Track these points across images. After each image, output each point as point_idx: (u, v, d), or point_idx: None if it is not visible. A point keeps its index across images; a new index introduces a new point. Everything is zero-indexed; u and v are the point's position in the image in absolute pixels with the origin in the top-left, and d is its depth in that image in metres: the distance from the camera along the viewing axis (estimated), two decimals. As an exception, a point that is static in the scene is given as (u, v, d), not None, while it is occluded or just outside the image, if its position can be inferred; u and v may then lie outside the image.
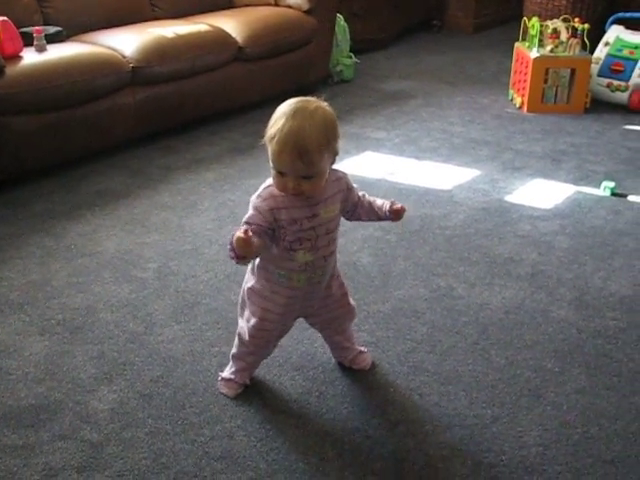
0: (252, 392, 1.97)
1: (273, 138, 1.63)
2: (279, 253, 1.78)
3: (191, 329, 2.23)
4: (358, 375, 2.04)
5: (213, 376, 2.01)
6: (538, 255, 2.70)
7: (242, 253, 1.65)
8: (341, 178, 1.83)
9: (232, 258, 1.69)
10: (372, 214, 1.91)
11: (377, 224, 2.90)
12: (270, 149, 1.65)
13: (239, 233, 1.62)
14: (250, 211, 1.74)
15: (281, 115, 1.66)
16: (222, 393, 1.96)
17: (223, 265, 2.60)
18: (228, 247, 1.69)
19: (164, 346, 2.16)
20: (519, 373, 2.05)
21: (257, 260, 1.84)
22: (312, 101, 1.70)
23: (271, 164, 1.68)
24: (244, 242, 1.62)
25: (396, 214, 1.89)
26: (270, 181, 1.76)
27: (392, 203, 1.89)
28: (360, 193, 1.90)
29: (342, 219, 1.89)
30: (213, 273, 2.56)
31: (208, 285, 2.48)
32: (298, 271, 1.80)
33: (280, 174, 1.68)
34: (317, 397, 1.96)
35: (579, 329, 2.26)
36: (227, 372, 1.99)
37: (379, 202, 1.91)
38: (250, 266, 1.89)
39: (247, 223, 1.70)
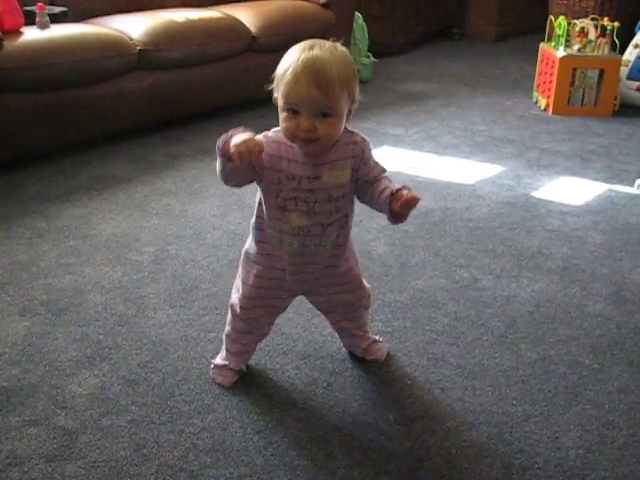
0: (251, 381, 1.75)
1: (286, 71, 1.43)
2: (273, 211, 1.57)
3: (186, 314, 2.02)
4: (371, 366, 1.81)
5: (208, 362, 1.79)
6: (569, 249, 2.47)
7: (244, 146, 1.39)
8: (357, 143, 1.57)
9: (220, 149, 1.44)
10: (375, 202, 1.57)
11: (394, 214, 2.69)
12: (283, 85, 1.44)
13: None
14: None
15: (294, 50, 1.46)
16: (217, 383, 1.74)
17: (226, 250, 2.38)
18: (219, 143, 1.45)
19: (155, 330, 1.94)
20: (553, 369, 1.82)
21: (252, 220, 1.64)
22: (328, 41, 1.50)
23: (282, 104, 1.46)
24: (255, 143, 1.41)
25: (400, 206, 1.47)
26: (277, 129, 1.55)
27: (399, 189, 1.50)
28: (383, 175, 1.59)
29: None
30: (215, 258, 2.34)
31: (208, 270, 2.27)
32: (291, 235, 1.57)
33: (292, 114, 1.45)
34: (324, 388, 1.73)
35: (618, 325, 2.02)
36: (220, 358, 1.77)
37: (389, 190, 1.53)
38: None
39: None
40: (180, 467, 1.47)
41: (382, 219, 2.62)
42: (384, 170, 1.61)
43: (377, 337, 1.86)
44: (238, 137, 1.42)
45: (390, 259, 2.36)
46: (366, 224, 2.61)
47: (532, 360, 1.85)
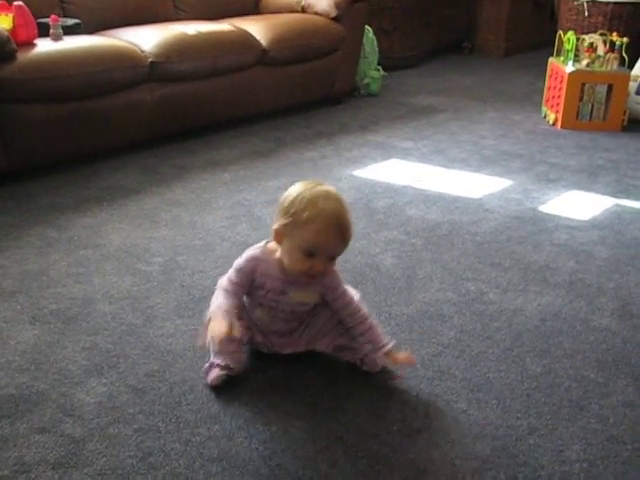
0: (256, 391, 1.76)
1: (313, 220, 1.59)
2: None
3: (194, 324, 2.03)
4: (377, 378, 1.82)
5: (215, 372, 1.80)
6: (576, 264, 2.48)
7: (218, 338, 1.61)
8: (325, 276, 1.72)
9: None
10: (354, 339, 1.80)
11: (402, 227, 2.71)
12: (307, 231, 1.60)
13: (223, 327, 1.61)
14: (232, 270, 1.76)
15: (312, 197, 1.62)
16: (210, 384, 1.76)
17: (234, 261, 2.39)
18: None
19: (163, 340, 1.96)
20: (558, 382, 1.82)
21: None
22: (322, 184, 1.69)
23: (301, 246, 1.62)
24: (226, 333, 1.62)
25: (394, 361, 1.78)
26: (254, 248, 1.76)
27: (391, 348, 1.77)
28: (356, 308, 1.78)
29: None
30: (223, 269, 2.32)
31: (217, 281, 2.27)
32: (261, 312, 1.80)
33: (308, 255, 1.62)
34: (329, 399, 1.74)
35: (624, 339, 2.03)
36: (208, 362, 1.81)
37: (374, 335, 1.77)
38: None
39: (230, 281, 1.73)
40: (186, 476, 1.49)
41: (390, 232, 2.67)
42: (352, 301, 1.78)
43: None
44: (212, 328, 1.63)
45: (397, 272, 2.38)
46: (373, 237, 2.62)
47: (537, 373, 1.85)
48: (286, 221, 1.62)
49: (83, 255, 2.44)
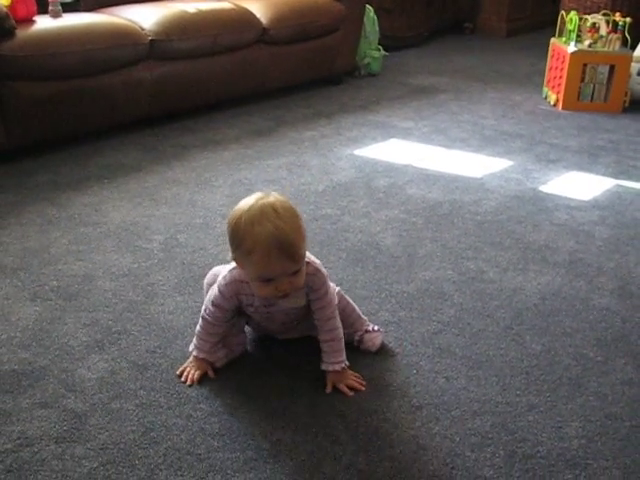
0: (258, 368, 1.77)
1: (252, 250, 1.51)
2: None
3: (195, 301, 2.04)
4: (378, 355, 1.83)
5: (216, 349, 1.81)
6: (576, 243, 2.48)
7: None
8: (308, 274, 1.63)
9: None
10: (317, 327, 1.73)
11: (402, 206, 2.71)
12: (251, 265, 1.54)
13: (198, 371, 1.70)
14: (216, 292, 1.68)
15: (246, 225, 1.51)
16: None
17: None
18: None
19: (164, 317, 1.96)
20: (557, 360, 1.83)
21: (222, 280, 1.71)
22: (264, 197, 1.55)
23: (254, 277, 1.56)
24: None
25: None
26: (234, 267, 1.65)
27: (337, 369, 1.69)
28: (328, 313, 1.70)
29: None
30: (223, 247, 2.35)
31: (217, 258, 2.28)
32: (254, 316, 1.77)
33: (267, 282, 1.55)
34: (330, 376, 1.74)
35: (623, 319, 2.03)
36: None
37: (331, 350, 1.70)
38: None
39: (213, 304, 1.68)
40: (187, 450, 1.50)
41: (390, 211, 2.66)
42: (327, 306, 1.69)
43: (371, 327, 1.86)
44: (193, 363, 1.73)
45: (398, 250, 2.38)
46: (374, 216, 2.63)
47: (537, 351, 1.86)
48: (234, 254, 1.57)
49: (83, 233, 2.44)
